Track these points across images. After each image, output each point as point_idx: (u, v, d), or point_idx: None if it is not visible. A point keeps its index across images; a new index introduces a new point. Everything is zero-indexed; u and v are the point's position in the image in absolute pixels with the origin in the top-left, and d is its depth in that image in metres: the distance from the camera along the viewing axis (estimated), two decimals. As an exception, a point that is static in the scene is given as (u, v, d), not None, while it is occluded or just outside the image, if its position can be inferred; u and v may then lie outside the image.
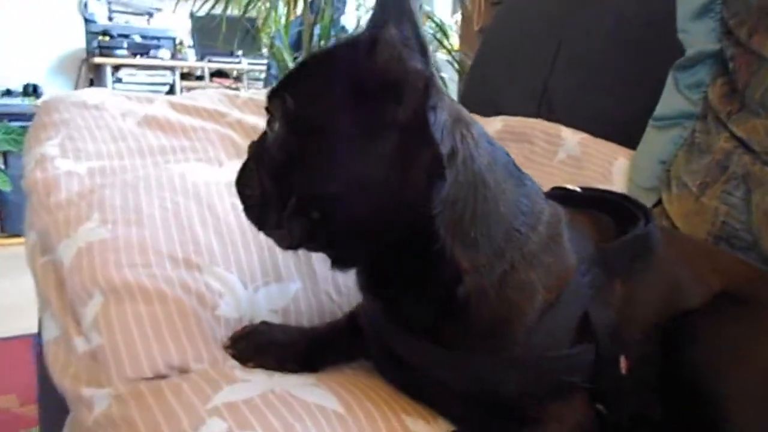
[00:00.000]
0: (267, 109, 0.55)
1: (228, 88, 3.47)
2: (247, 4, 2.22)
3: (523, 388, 0.54)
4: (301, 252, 0.75)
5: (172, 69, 4.23)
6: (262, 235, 0.74)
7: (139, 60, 4.09)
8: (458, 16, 3.28)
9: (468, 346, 0.54)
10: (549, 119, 1.18)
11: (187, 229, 0.72)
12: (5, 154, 3.28)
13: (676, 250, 0.66)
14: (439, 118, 0.51)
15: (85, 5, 4.10)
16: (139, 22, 4.32)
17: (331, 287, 0.74)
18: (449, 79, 2.36)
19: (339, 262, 0.58)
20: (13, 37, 3.78)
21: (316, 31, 2.15)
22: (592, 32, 1.22)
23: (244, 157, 0.91)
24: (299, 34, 2.46)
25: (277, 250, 0.73)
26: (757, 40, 0.85)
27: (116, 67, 4.04)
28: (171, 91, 4.23)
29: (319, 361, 0.65)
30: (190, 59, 4.29)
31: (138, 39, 4.15)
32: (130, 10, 4.27)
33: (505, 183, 0.56)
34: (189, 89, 4.31)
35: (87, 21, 4.09)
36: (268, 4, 2.27)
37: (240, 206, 0.77)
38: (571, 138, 1.07)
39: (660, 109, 0.99)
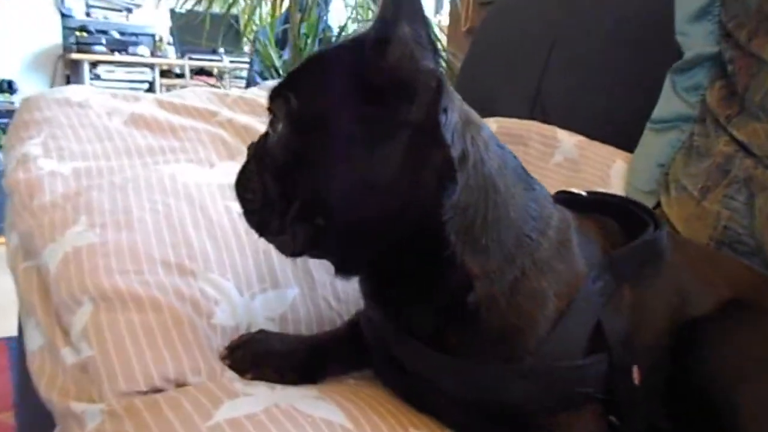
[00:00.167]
0: (269, 109, 0.53)
1: (211, 86, 3.42)
2: (232, 2, 2.17)
3: (534, 399, 0.52)
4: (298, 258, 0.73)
5: (151, 66, 4.16)
6: (258, 240, 0.72)
7: (117, 56, 4.02)
8: (440, 16, 3.27)
9: (476, 354, 0.53)
10: (543, 121, 1.17)
11: (180, 232, 0.69)
12: (-21, 152, 3.19)
13: (681, 256, 0.65)
14: (450, 120, 0.49)
15: (62, 0, 4.01)
16: (118, 18, 4.24)
17: (330, 294, 0.71)
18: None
19: (343, 270, 0.55)
20: (-13, 32, 3.68)
21: (302, 29, 2.12)
22: (587, 33, 1.22)
23: (236, 158, 0.89)
24: (284, 32, 2.43)
25: (274, 254, 0.71)
26: (757, 43, 0.85)
27: (94, 64, 3.97)
28: (150, 88, 4.16)
29: (319, 371, 0.62)
30: (171, 56, 4.22)
31: (116, 35, 4.08)
32: (108, 5, 4.19)
33: (515, 187, 0.54)
34: (169, 87, 4.25)
35: (64, 16, 4.01)
36: (253, 2, 2.23)
37: (234, 209, 0.76)
38: (568, 140, 1.06)
39: (657, 111, 0.98)
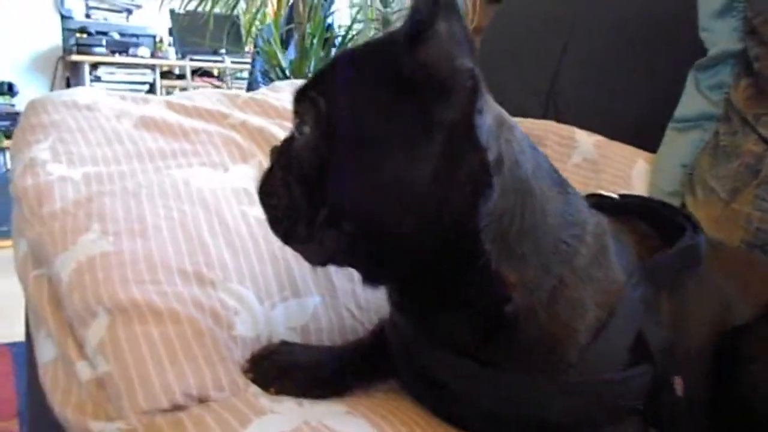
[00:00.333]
0: (295, 111, 0.50)
1: (215, 87, 3.39)
2: (235, 3, 2.15)
3: (576, 414, 0.50)
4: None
5: (152, 67, 4.14)
6: (277, 246, 0.70)
7: (118, 58, 4.00)
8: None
9: (514, 367, 0.50)
10: (557, 121, 1.15)
11: (196, 240, 0.66)
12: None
13: (717, 260, 0.63)
14: (485, 121, 0.47)
15: (62, 1, 3.99)
16: (118, 19, 4.22)
17: (352, 302, 0.69)
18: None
19: (372, 278, 0.53)
20: (-14, 34, 3.66)
21: (307, 29, 2.09)
22: (601, 30, 1.20)
23: (250, 161, 0.87)
24: (287, 33, 2.41)
25: (293, 262, 0.69)
26: (785, 40, 0.83)
27: (94, 65, 3.95)
28: (151, 90, 4.14)
29: (344, 383, 0.60)
30: (171, 57, 4.20)
31: (117, 36, 4.06)
32: (108, 6, 4.17)
33: (550, 191, 0.52)
34: (170, 88, 4.22)
35: (63, 17, 3.98)
36: (256, 2, 2.21)
37: (251, 214, 0.73)
38: (586, 140, 1.04)
39: (680, 110, 0.96)
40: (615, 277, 0.53)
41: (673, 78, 1.01)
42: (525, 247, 0.49)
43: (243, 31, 3.64)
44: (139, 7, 4.25)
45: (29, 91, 3.67)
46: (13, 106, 3.67)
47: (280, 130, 0.91)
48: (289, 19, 2.40)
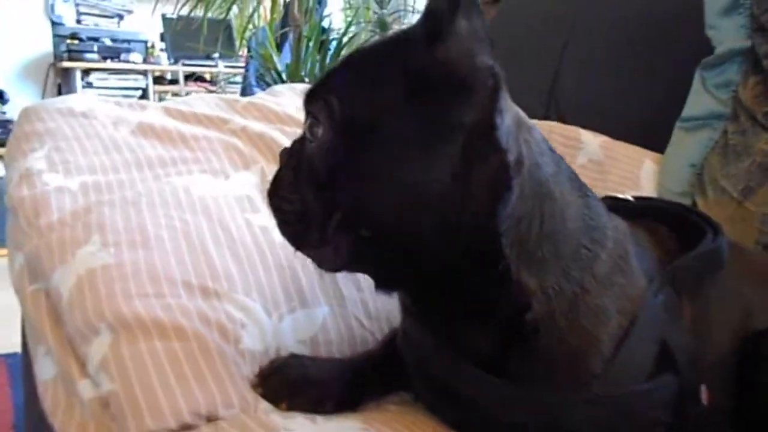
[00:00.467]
0: (307, 112, 0.49)
1: (208, 92, 3.37)
2: (229, 7, 2.12)
3: (601, 427, 0.48)
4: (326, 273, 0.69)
5: (144, 73, 4.11)
6: (283, 255, 0.68)
7: (109, 64, 3.96)
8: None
9: (536, 379, 0.48)
10: (559, 122, 1.13)
11: (200, 250, 0.64)
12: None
13: (738, 264, 0.61)
14: (505, 122, 0.45)
15: (52, 7, 3.95)
16: (109, 25, 4.19)
17: (361, 311, 0.67)
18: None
19: (386, 284, 0.51)
20: (-25, 41, 3.62)
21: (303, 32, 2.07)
22: (602, 28, 1.18)
23: (252, 168, 0.85)
24: (282, 36, 2.39)
25: (300, 271, 0.67)
26: (795, 36, 0.81)
27: (86, 72, 3.91)
28: (144, 95, 4.11)
29: (357, 397, 0.58)
30: (164, 62, 4.17)
31: (108, 42, 4.02)
32: (99, 12, 4.13)
33: (570, 195, 0.50)
34: (162, 93, 4.19)
35: (54, 24, 3.95)
36: (253, 5, 2.19)
37: (255, 222, 0.71)
38: (592, 141, 1.02)
39: (687, 109, 0.94)
40: (636, 282, 0.51)
41: (676, 76, 1.00)
42: (545, 252, 0.47)
43: (236, 35, 3.62)
44: (130, 12, 4.22)
45: (20, 98, 3.63)
46: (4, 113, 3.63)
47: (281, 136, 0.89)
48: (284, 22, 2.38)
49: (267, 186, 0.77)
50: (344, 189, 0.46)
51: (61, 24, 3.96)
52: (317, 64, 2.12)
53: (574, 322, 0.47)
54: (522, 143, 0.47)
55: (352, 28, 2.30)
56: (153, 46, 4.30)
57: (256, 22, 2.62)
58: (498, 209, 0.44)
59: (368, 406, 0.58)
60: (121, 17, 4.24)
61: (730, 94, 0.90)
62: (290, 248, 0.68)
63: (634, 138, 1.03)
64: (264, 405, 0.53)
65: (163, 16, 3.86)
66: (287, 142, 0.88)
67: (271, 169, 0.82)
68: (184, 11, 2.50)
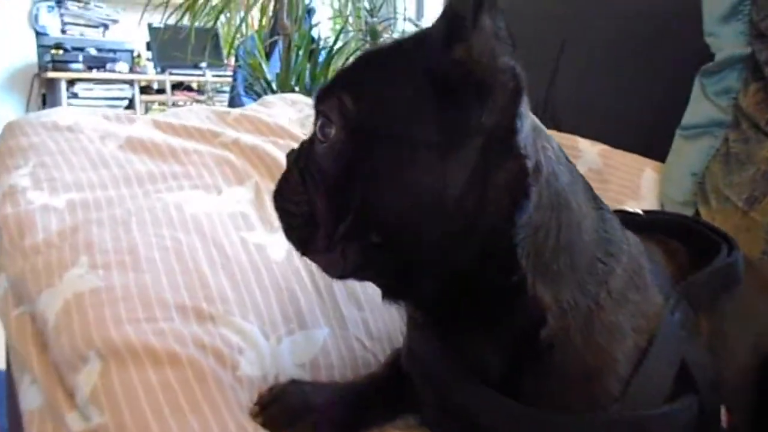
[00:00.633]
0: (318, 111, 0.46)
1: (195, 102, 3.34)
2: (216, 16, 2.10)
3: None
4: (324, 290, 0.66)
5: (130, 82, 4.07)
6: (280, 275, 0.65)
7: (95, 74, 3.92)
8: (422, 22, 3.23)
9: (551, 400, 0.46)
10: (554, 129, 1.12)
11: (194, 271, 0.62)
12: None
13: (751, 278, 0.59)
14: (525, 127, 0.43)
15: (36, 17, 3.90)
16: (95, 35, 4.14)
17: (362, 332, 0.64)
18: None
19: (394, 293, 0.48)
20: (-43, 52, 3.56)
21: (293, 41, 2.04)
22: (598, 34, 1.17)
23: (245, 183, 0.82)
24: (271, 45, 2.36)
25: (298, 290, 0.65)
26: (796, 43, 0.80)
27: (71, 82, 3.87)
28: (130, 105, 4.07)
29: (360, 422, 0.56)
30: (150, 72, 4.13)
31: (93, 52, 3.98)
32: (84, 22, 4.09)
33: (586, 206, 0.48)
34: (149, 103, 4.15)
35: (38, 34, 3.90)
36: (241, 14, 2.16)
37: (251, 241, 0.69)
38: (590, 149, 1.01)
39: (687, 117, 0.93)
40: (652, 299, 0.49)
41: (675, 81, 0.99)
42: (561, 265, 0.45)
43: (223, 44, 3.59)
44: (116, 21, 4.18)
45: (4, 109, 3.58)
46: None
47: (275, 149, 0.86)
48: (272, 31, 2.36)
49: (262, 202, 0.76)
50: (355, 192, 0.44)
51: (45, 34, 3.91)
52: (307, 73, 2.10)
53: (589, 340, 0.45)
54: (540, 150, 0.45)
55: (342, 37, 2.28)
56: (139, 56, 4.26)
57: (244, 30, 2.59)
58: (515, 217, 0.42)
59: (372, 431, 0.55)
60: (106, 27, 4.19)
61: (730, 101, 0.89)
62: (287, 267, 0.66)
63: (632, 145, 1.01)
64: (264, 435, 0.50)
65: (150, 26, 3.82)
66: (281, 155, 0.87)
67: (266, 183, 0.80)
68: (171, 20, 2.47)
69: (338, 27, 2.46)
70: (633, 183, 0.94)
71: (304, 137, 0.51)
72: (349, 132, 0.44)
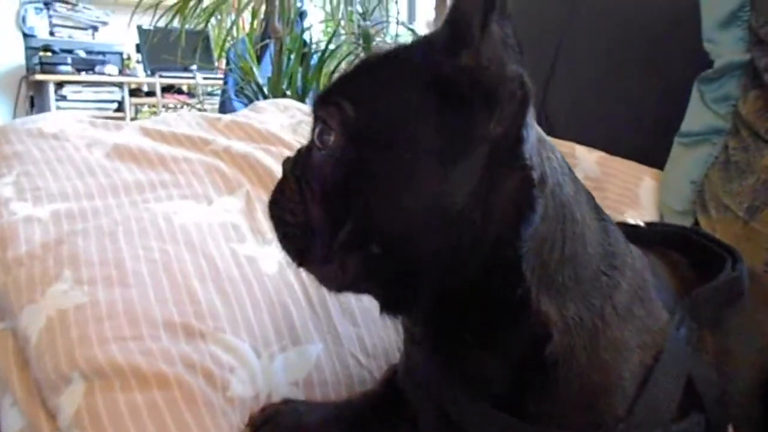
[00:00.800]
0: (316, 117, 0.44)
1: (185, 105, 3.30)
2: (208, 17, 2.07)
3: None
4: (318, 304, 0.64)
5: (120, 85, 4.02)
6: (272, 288, 0.63)
7: (84, 76, 3.87)
8: (415, 24, 3.22)
9: (556, 419, 0.44)
10: (549, 134, 1.10)
11: (183, 286, 0.59)
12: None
13: (755, 291, 0.58)
14: (531, 136, 0.42)
15: (24, 19, 3.85)
16: (84, 37, 4.10)
17: (357, 348, 0.62)
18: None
19: (393, 307, 0.47)
20: (-57, 54, 3.51)
21: (285, 44, 2.02)
22: (594, 39, 1.16)
23: (236, 192, 0.80)
24: (262, 48, 2.34)
25: (291, 305, 0.63)
26: (796, 50, 0.79)
27: (59, 84, 3.82)
28: (120, 108, 4.03)
29: (356, 444, 0.54)
30: (140, 74, 4.09)
31: (82, 54, 3.94)
32: (73, 23, 4.04)
33: (589, 217, 0.47)
34: (139, 105, 4.11)
35: (26, 36, 3.85)
36: (232, 17, 2.13)
37: (242, 253, 0.67)
38: (587, 157, 0.99)
39: (686, 124, 0.92)
40: (657, 314, 0.48)
41: (673, 88, 0.97)
42: (565, 278, 0.43)
43: (214, 47, 3.56)
44: (105, 24, 4.13)
45: (-8, 113, 3.53)
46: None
47: (267, 156, 0.84)
48: (263, 35, 2.34)
49: (253, 212, 0.74)
50: (355, 201, 0.42)
51: (33, 36, 3.86)
52: (299, 77, 2.08)
53: (595, 357, 0.44)
54: (545, 160, 0.43)
55: (334, 40, 2.26)
56: (129, 58, 4.22)
57: (235, 33, 2.56)
58: (520, 229, 0.41)
59: (369, 454, 0.53)
60: (95, 29, 4.15)
61: (729, 108, 0.87)
62: (280, 280, 0.64)
63: (630, 152, 1.00)
64: (256, 459, 0.48)
65: (139, 28, 3.78)
66: (273, 163, 0.85)
67: (257, 192, 0.78)
68: (161, 23, 2.44)
69: (330, 30, 2.44)
70: (631, 191, 0.92)
71: (297, 144, 0.50)
72: (349, 139, 0.42)
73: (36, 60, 3.75)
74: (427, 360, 0.50)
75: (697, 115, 0.91)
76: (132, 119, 4.03)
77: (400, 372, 0.56)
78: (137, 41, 4.02)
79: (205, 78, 3.88)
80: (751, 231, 0.76)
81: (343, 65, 2.25)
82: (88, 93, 3.94)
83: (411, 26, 2.58)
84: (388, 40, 2.35)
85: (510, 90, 0.39)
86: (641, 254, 0.52)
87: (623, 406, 0.44)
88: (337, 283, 0.46)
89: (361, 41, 2.21)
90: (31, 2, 3.86)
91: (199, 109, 2.75)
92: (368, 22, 2.36)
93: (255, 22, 2.21)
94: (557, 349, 0.43)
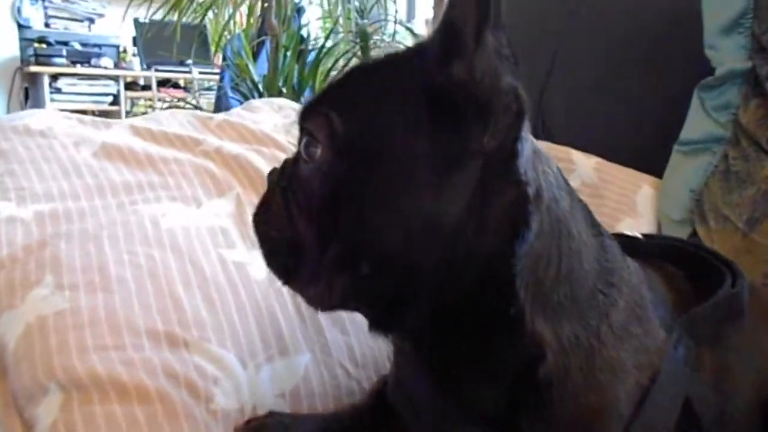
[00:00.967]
0: (302, 129, 0.43)
1: (181, 99, 3.28)
2: (205, 11, 2.05)
3: None
4: (306, 312, 0.63)
5: (115, 78, 3.99)
6: (260, 295, 0.61)
7: (79, 69, 3.84)
8: (414, 23, 3.20)
9: None
10: (546, 140, 1.09)
11: (167, 293, 0.58)
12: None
13: (754, 306, 0.57)
14: (525, 150, 0.40)
15: (19, 10, 3.82)
16: (79, 29, 4.06)
17: (346, 358, 0.61)
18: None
19: (384, 325, 0.45)
20: (-63, 44, 3.48)
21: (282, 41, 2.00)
22: (591, 45, 1.15)
23: (227, 194, 0.78)
24: (258, 44, 2.31)
25: (279, 312, 0.61)
26: (798, 59, 0.78)
27: (54, 77, 3.79)
28: (115, 101, 4.00)
29: (344, 458, 0.52)
30: (136, 68, 4.05)
31: (78, 46, 3.90)
32: (69, 15, 4.01)
33: (586, 233, 0.45)
34: (135, 99, 4.08)
35: (21, 27, 3.81)
36: (230, 11, 2.11)
37: (230, 259, 0.65)
38: (585, 163, 0.98)
39: (685, 132, 0.90)
40: (654, 333, 0.47)
41: (673, 95, 0.96)
42: (561, 297, 0.42)
43: (210, 42, 3.53)
44: (101, 16, 4.10)
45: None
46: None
47: (259, 158, 0.82)
48: (260, 31, 2.31)
49: (243, 216, 0.72)
50: (343, 218, 0.40)
51: (28, 27, 3.83)
52: (295, 74, 2.06)
53: (590, 377, 0.43)
54: (540, 174, 0.42)
55: (332, 38, 2.24)
56: (125, 51, 4.18)
57: (232, 28, 2.54)
58: (515, 246, 0.39)
59: (356, 469, 0.52)
60: (92, 21, 4.11)
61: (729, 116, 0.86)
62: (268, 287, 0.63)
63: (628, 160, 0.99)
64: (239, 476, 0.47)
65: (136, 21, 3.75)
66: (265, 165, 0.83)
67: (248, 195, 0.76)
68: (158, 16, 2.41)
69: (328, 27, 2.42)
70: (629, 199, 0.91)
71: (290, 146, 0.48)
72: (337, 153, 0.40)
73: (31, 51, 3.72)
74: (418, 378, 0.49)
75: (697, 123, 0.89)
76: (127, 113, 4.01)
77: (390, 383, 0.54)
78: (134, 34, 3.99)
79: (201, 72, 3.85)
80: (751, 243, 0.74)
81: (341, 63, 2.23)
82: (84, 86, 3.91)
83: (409, 25, 2.56)
84: (386, 38, 2.33)
85: (505, 103, 0.38)
86: (638, 268, 0.50)
87: (619, 428, 0.43)
88: (325, 303, 0.44)
89: (358, 39, 2.19)
90: (26, -7, 3.83)
91: (195, 106, 2.72)
92: (366, 20, 2.34)
93: (251, 19, 2.19)
94: (551, 369, 0.41)
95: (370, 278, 0.40)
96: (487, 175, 0.39)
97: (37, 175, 0.73)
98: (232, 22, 2.29)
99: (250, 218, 0.70)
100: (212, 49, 3.37)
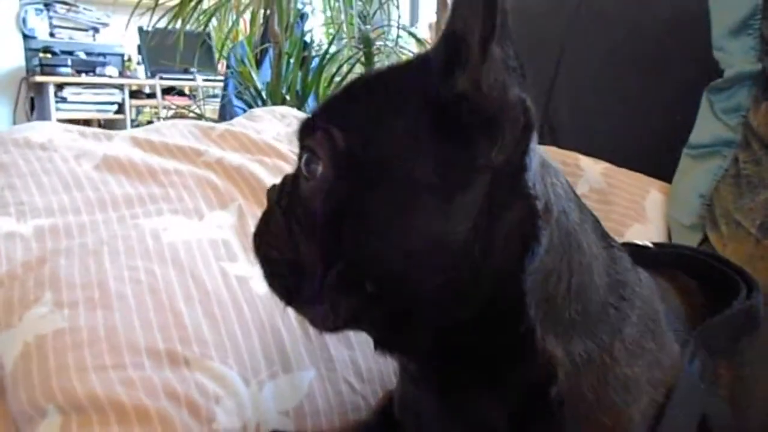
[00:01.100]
0: (303, 145, 0.42)
1: (185, 108, 3.28)
2: (208, 19, 2.04)
3: None
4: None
5: (120, 87, 4.01)
6: (263, 310, 0.60)
7: (84, 78, 3.86)
8: (417, 28, 3.19)
9: None
10: (553, 145, 1.08)
11: (168, 309, 0.57)
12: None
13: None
14: (533, 163, 0.39)
15: (24, 20, 3.83)
16: (84, 38, 4.08)
17: (352, 373, 0.59)
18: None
19: (389, 345, 0.44)
20: (-57, 55, 3.50)
21: (285, 48, 2.00)
22: (597, 48, 1.13)
23: (229, 206, 0.77)
24: (262, 52, 2.31)
25: (282, 327, 0.60)
26: (810, 60, 0.76)
27: (60, 86, 3.80)
28: (120, 110, 4.01)
29: (350, 478, 0.51)
30: (141, 76, 4.07)
31: (83, 56, 3.92)
32: (73, 25, 4.02)
33: (596, 245, 0.44)
34: (140, 107, 4.09)
35: (26, 37, 3.83)
36: (233, 18, 2.11)
37: (232, 273, 0.64)
38: (592, 168, 0.96)
39: (694, 135, 0.89)
40: (668, 347, 0.45)
41: (681, 98, 0.95)
42: (572, 313, 0.41)
43: (214, 49, 3.54)
44: (106, 25, 4.11)
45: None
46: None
47: (261, 168, 0.81)
48: (263, 38, 2.31)
49: (245, 228, 0.71)
50: (346, 237, 0.39)
51: (33, 37, 3.85)
52: (299, 81, 2.05)
53: (603, 397, 0.41)
54: (549, 187, 0.41)
55: (335, 43, 2.23)
56: (130, 60, 4.20)
57: (235, 35, 2.54)
58: (524, 263, 0.38)
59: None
60: (96, 30, 4.13)
61: (739, 119, 0.85)
62: (272, 301, 0.61)
63: (637, 164, 0.97)
64: (241, 500, 0.46)
65: (140, 29, 3.76)
66: (267, 176, 0.82)
67: (250, 207, 0.75)
68: (161, 24, 2.41)
69: (331, 33, 2.41)
70: (638, 204, 0.89)
71: (293, 156, 0.47)
72: (338, 169, 0.39)
73: (36, 61, 3.74)
74: (424, 399, 0.48)
75: (707, 126, 0.88)
76: (132, 121, 4.02)
77: (396, 399, 0.53)
78: (138, 43, 4.01)
79: (205, 80, 3.86)
80: (765, 250, 0.73)
81: (344, 69, 2.23)
82: (89, 95, 3.92)
83: (412, 29, 2.55)
84: (389, 43, 2.32)
85: (513, 116, 0.36)
86: (650, 279, 0.49)
87: None
88: (328, 325, 0.43)
89: (361, 45, 2.19)
90: (31, 3, 3.84)
91: (199, 115, 2.72)
92: (369, 26, 2.34)
93: (255, 26, 2.18)
94: (563, 389, 0.40)
95: (374, 299, 0.39)
96: (495, 190, 0.37)
97: (38, 188, 0.73)
98: (235, 29, 2.28)
99: (252, 230, 0.69)
100: (216, 56, 3.37)
